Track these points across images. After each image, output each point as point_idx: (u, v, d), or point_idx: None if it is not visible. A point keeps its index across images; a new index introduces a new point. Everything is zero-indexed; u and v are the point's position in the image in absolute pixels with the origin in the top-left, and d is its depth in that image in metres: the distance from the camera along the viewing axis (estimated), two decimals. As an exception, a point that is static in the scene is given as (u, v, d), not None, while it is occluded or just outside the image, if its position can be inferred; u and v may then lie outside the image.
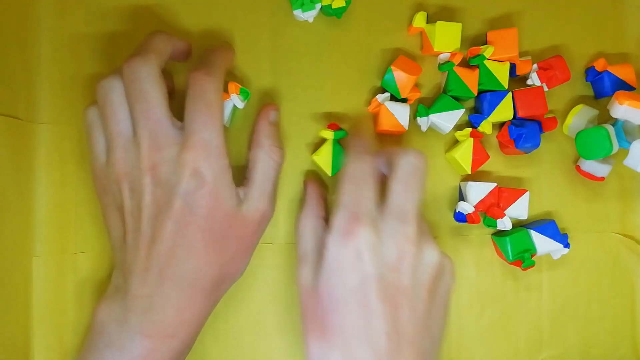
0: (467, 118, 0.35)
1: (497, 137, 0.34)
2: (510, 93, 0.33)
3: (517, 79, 0.35)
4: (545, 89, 0.34)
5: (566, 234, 0.34)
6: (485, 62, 0.33)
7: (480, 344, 0.35)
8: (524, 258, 0.33)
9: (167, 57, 0.30)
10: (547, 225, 0.34)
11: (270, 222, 0.34)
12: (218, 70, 0.29)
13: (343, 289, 0.27)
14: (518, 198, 0.34)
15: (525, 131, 0.33)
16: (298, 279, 0.29)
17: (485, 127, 0.34)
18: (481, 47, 0.33)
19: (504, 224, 0.33)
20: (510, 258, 0.33)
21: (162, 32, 0.30)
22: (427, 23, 0.34)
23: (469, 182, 0.34)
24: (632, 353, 0.35)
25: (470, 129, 0.34)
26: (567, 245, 0.34)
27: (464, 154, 0.33)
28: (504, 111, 0.33)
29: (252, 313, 0.34)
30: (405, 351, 0.26)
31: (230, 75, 0.34)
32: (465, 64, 0.34)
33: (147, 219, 0.27)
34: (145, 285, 0.27)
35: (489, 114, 0.33)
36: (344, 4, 0.33)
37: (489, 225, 0.34)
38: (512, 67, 0.34)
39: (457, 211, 0.34)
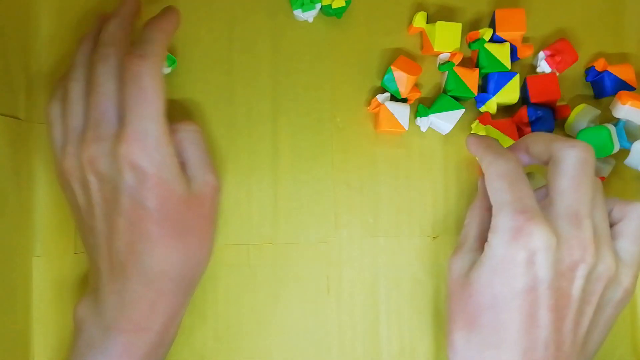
0: (469, 116, 0.35)
1: (512, 120, 0.34)
2: (517, 75, 0.33)
3: (527, 68, 0.35)
4: (557, 74, 0.34)
5: None
6: (485, 45, 0.33)
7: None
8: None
9: (124, 39, 0.29)
10: None
11: (270, 222, 0.34)
12: (155, 48, 0.27)
13: (508, 290, 0.25)
14: None
15: (542, 114, 0.33)
16: (451, 265, 0.28)
17: (490, 106, 0.34)
18: (479, 30, 0.33)
19: None
20: None
21: (114, 18, 0.29)
22: (427, 23, 0.34)
23: (533, 173, 0.33)
24: (631, 353, 0.35)
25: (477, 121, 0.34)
26: None
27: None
28: (509, 92, 0.33)
29: (253, 314, 0.34)
30: None
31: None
32: (465, 64, 0.34)
33: (99, 217, 0.27)
34: (114, 282, 0.27)
35: (494, 94, 0.33)
36: (344, 4, 0.33)
37: None
38: (514, 51, 0.34)
39: None
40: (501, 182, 0.26)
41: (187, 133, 0.29)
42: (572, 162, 0.26)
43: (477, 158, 0.29)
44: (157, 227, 0.27)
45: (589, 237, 0.25)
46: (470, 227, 0.29)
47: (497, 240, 0.25)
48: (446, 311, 0.28)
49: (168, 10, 0.30)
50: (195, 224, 0.28)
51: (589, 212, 0.25)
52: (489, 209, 0.28)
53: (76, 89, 0.28)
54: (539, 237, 0.24)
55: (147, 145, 0.26)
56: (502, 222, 0.25)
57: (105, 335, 0.27)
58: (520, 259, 0.25)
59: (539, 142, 0.28)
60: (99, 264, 0.28)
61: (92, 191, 0.27)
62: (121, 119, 0.26)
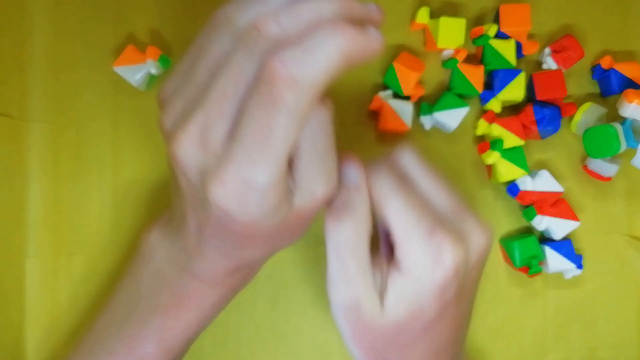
0: (473, 114, 0.35)
1: (518, 118, 0.33)
2: (523, 72, 0.33)
3: (533, 65, 0.35)
4: (564, 70, 0.34)
5: (581, 254, 0.34)
6: (490, 41, 0.33)
7: (483, 347, 0.35)
8: (531, 264, 0.33)
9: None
10: (563, 244, 0.34)
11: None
12: (321, 69, 0.19)
13: (423, 317, 0.24)
14: (567, 219, 0.33)
15: (548, 112, 0.32)
16: (362, 302, 0.24)
17: (494, 104, 0.33)
18: (483, 26, 0.33)
19: (541, 222, 0.33)
20: (518, 264, 0.33)
21: None
22: (430, 19, 0.34)
23: (544, 170, 0.33)
24: (639, 356, 0.35)
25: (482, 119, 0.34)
26: (580, 267, 0.34)
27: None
28: (515, 90, 0.33)
29: (251, 318, 0.34)
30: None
31: (158, 38, 0.33)
32: (470, 60, 0.34)
33: (188, 202, 0.23)
34: (199, 236, 0.24)
35: (499, 91, 0.33)
36: None
37: (525, 215, 0.34)
38: (519, 48, 0.34)
39: (515, 182, 0.33)
40: (395, 198, 0.24)
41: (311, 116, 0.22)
42: (416, 163, 0.26)
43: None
44: (244, 239, 0.23)
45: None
46: (344, 255, 0.24)
47: (417, 267, 0.23)
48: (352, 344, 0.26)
49: (372, 21, 0.21)
50: (286, 234, 0.24)
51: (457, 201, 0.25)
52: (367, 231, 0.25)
53: (203, 65, 0.22)
54: (458, 255, 0.23)
55: (248, 200, 0.20)
56: (416, 244, 0.23)
57: (179, 276, 0.26)
58: (439, 284, 0.23)
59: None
60: (186, 223, 0.24)
61: (181, 182, 0.22)
62: (232, 140, 0.20)
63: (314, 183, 0.22)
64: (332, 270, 0.24)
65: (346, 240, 0.23)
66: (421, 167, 0.26)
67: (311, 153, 0.22)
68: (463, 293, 0.24)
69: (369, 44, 0.20)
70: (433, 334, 0.25)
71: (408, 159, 0.26)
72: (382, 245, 0.27)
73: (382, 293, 0.24)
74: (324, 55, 0.19)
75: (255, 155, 0.19)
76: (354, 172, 0.23)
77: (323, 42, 0.19)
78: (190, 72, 0.22)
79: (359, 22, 0.20)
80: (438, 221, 0.23)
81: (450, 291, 0.23)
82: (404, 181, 0.25)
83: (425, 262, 0.23)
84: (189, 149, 0.21)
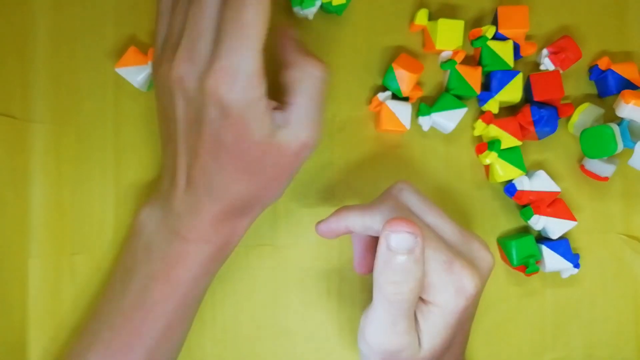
0: (471, 115, 0.35)
1: (515, 118, 0.34)
2: (520, 74, 0.33)
3: (531, 66, 0.35)
4: (561, 71, 0.34)
5: (577, 254, 0.34)
6: (488, 42, 0.33)
7: (482, 346, 0.35)
8: (528, 263, 0.33)
9: None
10: (560, 243, 0.34)
11: (270, 224, 0.34)
12: None
13: (449, 340, 0.26)
14: (564, 219, 0.33)
15: (545, 113, 0.33)
16: (398, 349, 0.25)
17: (492, 105, 0.33)
18: (482, 28, 0.33)
19: (538, 222, 0.33)
20: (515, 263, 0.33)
21: None
22: (429, 20, 0.34)
23: (541, 171, 0.33)
24: (636, 355, 0.35)
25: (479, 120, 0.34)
26: (577, 266, 0.34)
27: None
28: (512, 91, 0.33)
29: (252, 317, 0.34)
30: None
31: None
32: (468, 62, 0.34)
33: (182, 134, 0.27)
34: (186, 194, 0.27)
35: (497, 92, 0.33)
36: (344, 1, 0.32)
37: (522, 214, 0.34)
38: (517, 49, 0.34)
39: (512, 182, 0.33)
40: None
41: (307, 76, 0.27)
42: (418, 198, 0.28)
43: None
44: (231, 160, 0.26)
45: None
46: (397, 312, 0.25)
47: (442, 297, 0.25)
48: None
49: None
50: (268, 170, 0.27)
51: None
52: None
53: None
54: (477, 283, 0.25)
55: (235, 83, 0.24)
56: (437, 277, 0.25)
57: (167, 241, 0.28)
58: (463, 307, 0.25)
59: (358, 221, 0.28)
60: (176, 175, 0.27)
61: (177, 107, 0.26)
62: (216, 45, 0.25)
63: (300, 127, 0.26)
64: (379, 320, 0.25)
65: (403, 302, 0.24)
66: (423, 201, 0.27)
67: (304, 101, 0.27)
68: (475, 307, 0.27)
69: None
70: (454, 349, 0.27)
71: (408, 195, 0.28)
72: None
73: (417, 333, 0.25)
74: None
75: (235, 47, 0.24)
76: (413, 236, 0.24)
77: None
78: (170, 18, 0.28)
79: None
80: (452, 252, 0.25)
81: (469, 311, 0.26)
82: (412, 217, 0.26)
83: (449, 294, 0.25)
84: (184, 66, 0.25)
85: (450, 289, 0.25)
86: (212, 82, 0.24)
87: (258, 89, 0.25)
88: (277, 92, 0.27)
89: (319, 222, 0.29)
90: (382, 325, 0.25)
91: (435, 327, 0.25)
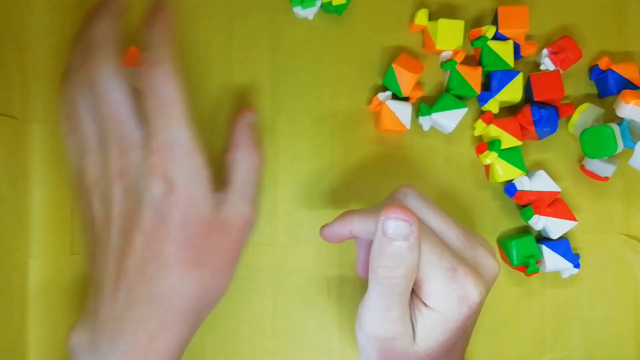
0: (471, 115, 0.35)
1: (515, 118, 0.34)
2: (520, 74, 0.33)
3: (531, 66, 0.35)
4: (561, 71, 0.34)
5: (578, 254, 0.34)
6: (488, 42, 0.33)
7: (482, 346, 0.35)
8: (528, 263, 0.33)
9: (118, 42, 0.27)
10: (560, 243, 0.34)
11: (269, 223, 0.34)
12: (164, 52, 0.26)
13: (449, 343, 0.26)
14: (564, 219, 0.33)
15: (546, 113, 0.33)
16: (394, 341, 0.25)
17: (492, 105, 0.33)
18: (482, 28, 0.33)
19: (538, 222, 0.33)
20: (515, 263, 0.33)
21: (102, 16, 0.27)
22: (429, 20, 0.34)
23: (541, 171, 0.33)
24: (636, 355, 0.35)
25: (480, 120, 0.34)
26: (577, 266, 0.34)
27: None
28: (512, 91, 0.33)
29: (252, 316, 0.34)
30: None
31: None
32: (468, 62, 0.34)
33: (116, 232, 0.25)
34: (114, 308, 0.25)
35: (497, 92, 0.33)
36: (344, 1, 0.32)
37: (522, 214, 0.34)
38: (517, 49, 0.34)
39: (512, 182, 0.33)
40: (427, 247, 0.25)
41: (245, 157, 0.29)
42: (424, 203, 0.28)
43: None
44: (175, 248, 0.25)
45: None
46: (405, 291, 0.25)
47: (444, 303, 0.25)
48: None
49: (159, 5, 0.28)
50: (214, 255, 0.26)
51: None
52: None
53: (82, 97, 0.27)
54: (480, 290, 0.25)
55: (175, 155, 0.25)
56: (440, 284, 0.25)
57: None
58: (465, 315, 0.25)
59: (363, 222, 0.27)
60: (103, 284, 0.25)
61: (113, 204, 0.25)
62: (145, 129, 0.25)
63: (239, 204, 0.27)
64: (373, 307, 0.25)
65: (395, 287, 0.25)
66: (428, 206, 0.27)
67: (243, 179, 0.28)
68: (477, 314, 0.27)
69: (164, 14, 0.27)
70: (454, 352, 0.27)
71: (413, 200, 0.28)
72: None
73: (412, 326, 0.26)
74: (157, 40, 0.26)
75: (165, 122, 0.25)
76: (407, 224, 0.24)
77: (150, 34, 0.27)
78: (77, 134, 0.27)
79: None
80: (456, 258, 0.25)
81: (471, 319, 0.26)
82: (420, 225, 0.26)
83: (452, 301, 0.25)
84: (121, 159, 0.25)
85: (453, 297, 0.25)
86: (156, 159, 0.25)
87: (198, 157, 0.26)
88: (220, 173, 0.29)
89: (323, 227, 0.29)
90: (375, 310, 0.25)
91: (433, 329, 0.25)
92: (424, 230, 0.26)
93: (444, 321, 0.25)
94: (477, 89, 0.33)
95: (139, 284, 0.25)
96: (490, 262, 0.27)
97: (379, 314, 0.25)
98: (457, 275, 0.25)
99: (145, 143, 0.25)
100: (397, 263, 0.24)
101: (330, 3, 0.32)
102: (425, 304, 0.25)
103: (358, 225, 0.27)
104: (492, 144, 0.33)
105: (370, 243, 0.29)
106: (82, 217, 0.28)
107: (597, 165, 0.34)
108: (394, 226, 0.24)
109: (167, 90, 0.25)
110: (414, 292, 0.26)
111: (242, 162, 0.29)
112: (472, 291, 0.25)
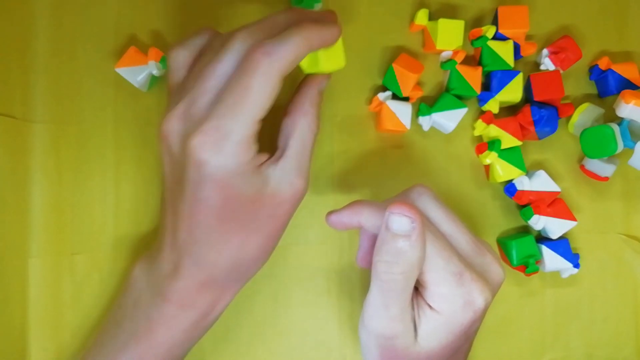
0: (471, 115, 0.35)
1: (515, 118, 0.34)
2: (520, 74, 0.33)
3: (531, 66, 0.35)
4: (561, 71, 0.34)
5: (577, 254, 0.34)
6: (488, 42, 0.33)
7: (482, 346, 0.35)
8: (528, 263, 0.33)
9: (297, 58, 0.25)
10: (560, 243, 0.34)
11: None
12: (287, 51, 0.24)
13: (452, 347, 0.26)
14: (564, 219, 0.34)
15: (546, 113, 0.33)
16: (396, 340, 0.25)
17: (492, 105, 0.33)
18: (482, 28, 0.33)
19: (538, 222, 0.33)
20: (515, 263, 0.33)
21: (311, 23, 0.25)
22: (429, 20, 0.34)
23: (541, 171, 0.33)
24: (636, 354, 0.35)
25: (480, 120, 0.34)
26: (576, 266, 0.34)
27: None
28: (512, 91, 0.33)
29: (252, 316, 0.34)
30: None
31: (159, 39, 0.34)
32: (468, 62, 0.34)
33: (169, 191, 0.27)
34: (172, 253, 0.27)
35: (497, 92, 0.33)
36: None
37: (522, 214, 0.34)
38: (517, 49, 0.34)
39: (512, 182, 0.34)
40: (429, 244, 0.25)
41: (306, 124, 0.27)
42: (437, 205, 0.27)
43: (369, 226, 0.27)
44: (217, 221, 0.25)
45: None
46: (406, 288, 0.25)
47: (449, 307, 0.25)
48: None
49: (329, 21, 0.26)
50: (263, 224, 0.26)
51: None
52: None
53: (205, 55, 0.27)
54: (486, 296, 0.26)
55: (222, 148, 0.24)
56: (447, 288, 0.25)
57: (152, 300, 0.27)
58: (471, 320, 0.25)
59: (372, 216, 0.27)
60: (164, 232, 0.27)
61: (165, 164, 0.27)
62: (214, 105, 0.24)
63: (294, 174, 0.26)
64: (374, 304, 0.25)
65: (393, 283, 0.24)
66: (441, 208, 0.27)
67: (298, 148, 0.27)
68: (482, 319, 0.27)
69: (324, 33, 0.25)
70: (457, 356, 0.27)
71: (427, 200, 0.27)
72: None
73: (415, 326, 0.25)
74: (290, 40, 0.24)
75: (232, 110, 0.24)
76: (410, 221, 0.24)
77: (290, 32, 0.24)
78: (189, 79, 0.27)
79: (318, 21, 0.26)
80: (463, 263, 0.25)
81: (477, 324, 0.26)
82: (428, 225, 0.26)
83: (457, 305, 0.25)
84: (174, 123, 0.25)
85: (458, 301, 0.25)
86: (197, 141, 0.24)
87: (246, 155, 0.25)
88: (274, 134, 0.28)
89: (330, 213, 0.28)
90: (376, 307, 0.25)
91: (435, 329, 0.25)
92: (434, 232, 0.25)
93: (448, 325, 0.25)
94: (477, 89, 0.33)
95: (187, 243, 0.26)
96: (497, 269, 0.27)
97: (379, 311, 0.25)
98: (463, 280, 0.25)
99: (201, 121, 0.24)
100: (396, 259, 0.24)
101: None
102: (430, 306, 0.25)
103: (367, 218, 0.27)
104: (492, 144, 0.33)
105: (375, 236, 0.29)
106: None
107: (597, 165, 0.34)
108: (397, 222, 0.24)
109: (256, 84, 0.23)
110: (420, 294, 0.26)
111: (302, 130, 0.27)
112: (477, 297, 0.25)
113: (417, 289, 0.26)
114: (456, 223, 0.27)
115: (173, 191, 0.26)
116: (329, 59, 0.26)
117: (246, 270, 0.28)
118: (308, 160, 0.27)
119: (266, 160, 0.26)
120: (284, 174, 0.26)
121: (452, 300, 0.25)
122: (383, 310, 0.25)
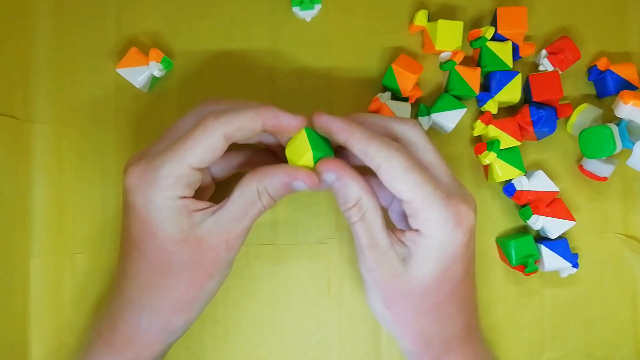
0: (470, 115, 0.35)
1: (514, 118, 0.34)
2: (519, 74, 0.33)
3: (530, 66, 0.35)
4: (560, 72, 0.34)
5: (576, 253, 0.34)
6: (487, 43, 0.33)
7: (481, 345, 0.35)
8: (527, 263, 0.33)
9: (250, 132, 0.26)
10: (559, 242, 0.34)
11: (270, 222, 0.34)
12: (236, 119, 0.25)
13: (450, 277, 0.27)
14: (563, 219, 0.34)
15: (544, 114, 0.33)
16: (377, 269, 0.27)
17: (491, 106, 0.33)
18: (481, 29, 0.33)
19: (537, 222, 0.33)
20: (514, 262, 0.33)
21: (269, 108, 0.26)
22: (428, 21, 0.34)
23: (540, 171, 0.34)
24: (634, 353, 0.35)
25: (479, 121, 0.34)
26: (575, 265, 0.34)
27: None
28: (511, 92, 0.33)
29: (252, 315, 0.34)
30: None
31: (160, 40, 0.34)
32: (467, 62, 0.34)
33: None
34: (111, 292, 0.29)
35: (496, 92, 0.33)
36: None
37: (521, 214, 0.34)
38: (516, 50, 0.34)
39: (511, 182, 0.34)
40: (412, 174, 0.26)
41: (258, 196, 0.27)
42: (423, 138, 0.28)
43: (350, 146, 0.27)
44: (139, 253, 0.26)
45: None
46: (373, 226, 0.27)
47: (440, 231, 0.26)
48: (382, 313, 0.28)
49: (292, 114, 0.27)
50: (187, 267, 0.26)
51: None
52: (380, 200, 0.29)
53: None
54: (473, 216, 0.27)
55: (149, 181, 0.25)
56: (437, 212, 0.26)
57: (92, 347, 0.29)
58: (462, 244, 0.27)
59: (376, 125, 0.28)
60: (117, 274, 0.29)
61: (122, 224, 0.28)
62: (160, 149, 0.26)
63: (226, 225, 0.26)
64: (357, 244, 0.28)
65: (350, 217, 0.27)
66: (427, 141, 0.28)
67: (240, 207, 0.26)
68: (474, 250, 0.28)
69: (281, 117, 0.26)
70: (461, 292, 0.28)
71: (416, 134, 0.28)
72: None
73: (407, 259, 0.27)
74: (243, 111, 0.26)
75: (169, 151, 0.25)
76: (333, 173, 0.27)
77: (247, 106, 0.26)
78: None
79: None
80: (448, 188, 0.27)
81: (471, 249, 0.28)
82: (415, 157, 0.27)
83: (448, 227, 0.26)
84: (132, 160, 0.27)
85: (447, 223, 0.26)
86: (129, 172, 0.26)
87: (171, 192, 0.25)
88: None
89: (322, 114, 0.28)
90: (356, 244, 0.28)
91: (425, 256, 0.26)
92: (420, 163, 0.27)
93: (440, 249, 0.26)
94: (476, 90, 0.33)
95: (122, 278, 0.28)
96: (472, 199, 0.28)
97: (357, 245, 0.28)
98: (451, 203, 0.26)
99: (137, 157, 0.27)
100: (344, 200, 0.27)
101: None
102: (421, 233, 0.26)
103: (359, 139, 0.26)
104: (491, 144, 0.33)
105: (387, 194, 0.30)
106: None
107: (596, 166, 0.34)
108: (327, 175, 0.27)
109: (200, 137, 0.25)
110: (410, 227, 0.27)
111: (251, 195, 0.26)
112: (466, 219, 0.26)
113: (408, 222, 0.27)
114: (438, 156, 0.28)
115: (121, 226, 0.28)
116: (296, 151, 0.27)
117: (166, 324, 0.27)
118: (248, 224, 0.27)
119: (205, 208, 0.26)
120: (217, 224, 0.26)
121: (442, 223, 0.26)
122: (357, 244, 0.27)
